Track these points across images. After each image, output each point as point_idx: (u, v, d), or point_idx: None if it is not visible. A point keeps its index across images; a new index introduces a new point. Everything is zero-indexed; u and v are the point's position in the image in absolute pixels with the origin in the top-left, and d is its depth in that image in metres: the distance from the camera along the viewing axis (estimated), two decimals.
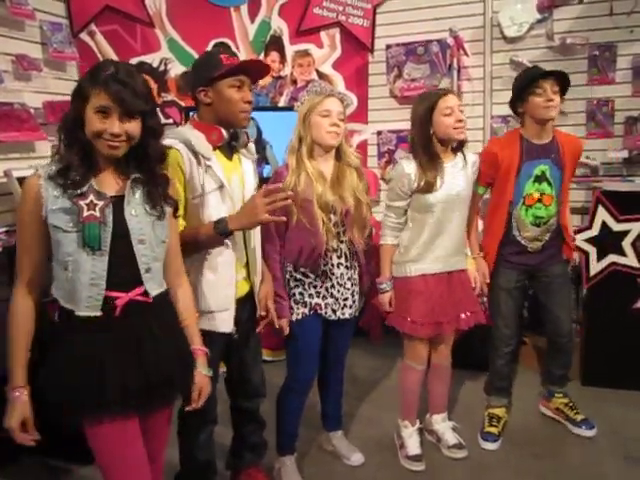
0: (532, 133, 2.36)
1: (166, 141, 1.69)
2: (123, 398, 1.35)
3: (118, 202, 1.38)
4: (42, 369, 1.37)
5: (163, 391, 1.45)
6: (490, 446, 2.45)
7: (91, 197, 1.33)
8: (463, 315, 2.25)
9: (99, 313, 1.36)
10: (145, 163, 1.42)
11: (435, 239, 2.19)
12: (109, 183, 1.39)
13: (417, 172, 2.14)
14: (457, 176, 2.20)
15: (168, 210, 1.47)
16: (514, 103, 2.40)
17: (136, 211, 1.40)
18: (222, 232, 1.67)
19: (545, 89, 2.26)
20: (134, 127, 1.36)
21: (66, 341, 1.38)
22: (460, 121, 2.12)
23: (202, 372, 1.57)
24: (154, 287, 1.45)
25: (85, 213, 1.32)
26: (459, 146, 2.23)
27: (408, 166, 2.17)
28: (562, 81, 2.31)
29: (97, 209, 1.33)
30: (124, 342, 1.39)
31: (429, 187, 2.13)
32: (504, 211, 2.39)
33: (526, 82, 2.31)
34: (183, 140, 1.70)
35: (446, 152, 2.20)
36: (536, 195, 2.35)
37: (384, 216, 2.27)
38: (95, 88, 1.32)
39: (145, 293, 1.42)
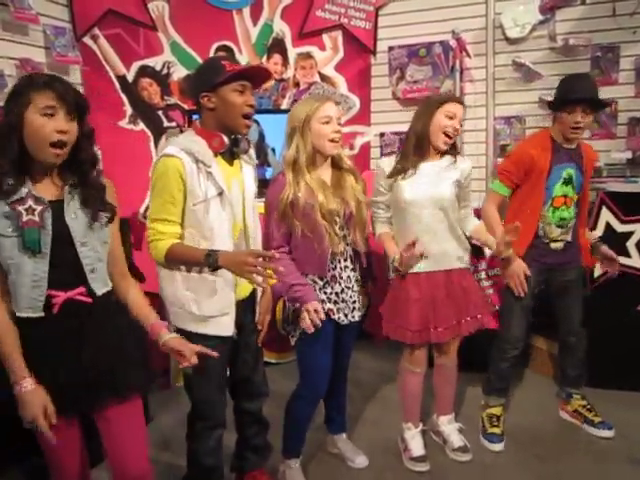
0: (562, 138, 2.38)
1: (168, 150, 1.71)
2: (55, 398, 1.37)
3: (57, 207, 1.41)
4: None
5: (103, 384, 1.45)
6: (496, 447, 2.44)
7: (30, 202, 1.36)
8: (464, 320, 2.22)
9: (42, 314, 1.39)
10: (79, 167, 1.45)
11: (422, 239, 2.15)
12: (46, 189, 1.42)
13: (391, 166, 2.21)
14: (434, 177, 2.19)
15: (105, 215, 1.48)
16: (551, 103, 2.42)
17: (76, 214, 1.43)
18: (211, 266, 1.68)
19: (577, 111, 2.29)
20: (75, 128, 1.39)
21: None
22: (456, 130, 2.16)
23: (170, 337, 1.56)
24: (100, 286, 1.49)
25: (24, 218, 1.35)
26: (451, 149, 2.23)
27: (385, 162, 2.25)
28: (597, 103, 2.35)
29: (36, 214, 1.36)
30: (60, 341, 1.41)
31: (397, 172, 2.18)
32: (535, 213, 2.38)
33: (560, 101, 2.34)
34: (185, 148, 1.71)
35: (433, 152, 2.21)
36: (562, 197, 2.38)
37: (373, 212, 2.28)
38: (38, 91, 1.34)
39: (89, 293, 1.46)
